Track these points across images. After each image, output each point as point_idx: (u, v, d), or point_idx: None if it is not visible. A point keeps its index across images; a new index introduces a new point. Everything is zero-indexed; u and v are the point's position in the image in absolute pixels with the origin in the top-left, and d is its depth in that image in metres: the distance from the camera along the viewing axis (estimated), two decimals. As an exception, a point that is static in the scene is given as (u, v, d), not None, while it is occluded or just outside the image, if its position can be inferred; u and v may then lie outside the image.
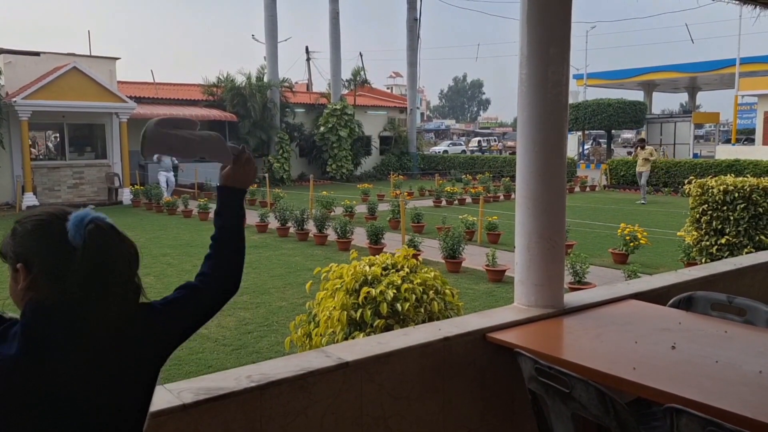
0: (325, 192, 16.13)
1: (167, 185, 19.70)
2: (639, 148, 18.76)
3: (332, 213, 13.63)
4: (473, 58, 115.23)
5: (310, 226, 12.04)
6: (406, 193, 17.01)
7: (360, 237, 11.11)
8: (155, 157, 17.67)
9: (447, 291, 3.53)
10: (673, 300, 2.92)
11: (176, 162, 20.09)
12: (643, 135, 29.72)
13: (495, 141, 54.92)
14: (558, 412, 2.10)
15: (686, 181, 7.33)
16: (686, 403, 1.78)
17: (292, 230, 12.31)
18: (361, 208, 15.30)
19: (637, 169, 18.48)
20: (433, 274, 3.60)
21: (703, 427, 1.67)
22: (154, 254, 10.47)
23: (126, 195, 19.30)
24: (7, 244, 1.39)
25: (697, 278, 3.45)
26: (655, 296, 3.12)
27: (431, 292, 3.43)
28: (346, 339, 3.43)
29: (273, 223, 12.91)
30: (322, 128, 26.36)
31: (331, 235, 11.34)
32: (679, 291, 3.10)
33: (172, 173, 19.74)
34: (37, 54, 19.25)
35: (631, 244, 9.18)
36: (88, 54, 21.14)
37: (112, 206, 18.88)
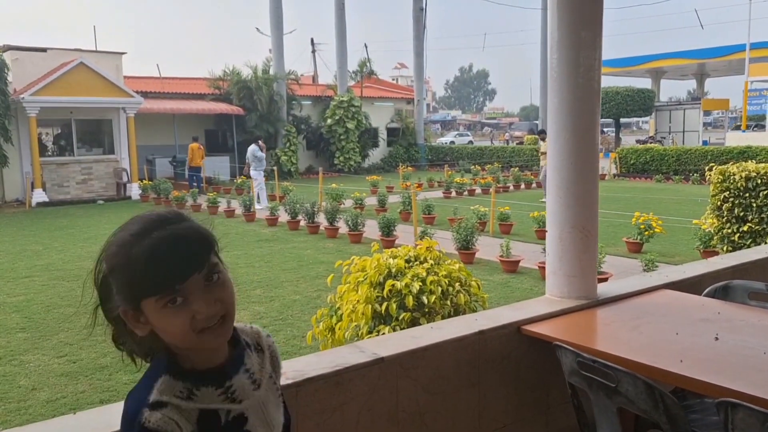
0: (334, 185, 16.09)
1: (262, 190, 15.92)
2: (540, 140, 16.68)
3: (342, 205, 13.57)
4: (479, 47, 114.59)
5: (321, 219, 12.00)
6: (416, 185, 16.93)
7: (371, 229, 11.06)
8: (248, 157, 15.74)
9: (472, 283, 3.47)
10: (709, 289, 2.85)
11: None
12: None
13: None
14: (602, 407, 2.04)
15: (707, 168, 7.22)
16: (739, 397, 1.72)
17: (302, 223, 12.27)
18: (371, 200, 15.25)
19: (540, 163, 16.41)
20: (458, 266, 3.54)
21: (762, 422, 1.61)
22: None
23: (134, 190, 19.31)
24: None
25: (729, 267, 3.38)
26: (688, 286, 3.05)
27: (457, 284, 3.38)
28: (370, 333, 3.38)
29: (283, 216, 12.87)
30: (329, 120, 26.28)
31: (342, 228, 11.30)
32: (711, 280, 3.03)
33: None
34: (43, 50, 19.23)
35: (646, 232, 9.09)
36: (94, 49, 21.10)
37: (120, 201, 18.90)
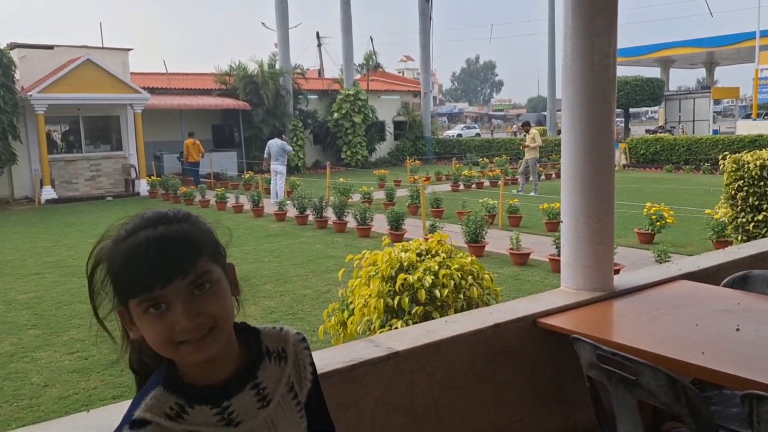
0: (342, 179, 16.05)
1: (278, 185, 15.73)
2: (525, 132, 16.78)
3: (350, 200, 13.55)
4: (486, 39, 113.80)
5: (329, 214, 11.98)
6: (423, 179, 16.87)
7: (379, 223, 11.03)
8: (272, 152, 15.36)
9: (485, 276, 3.43)
10: (727, 279, 2.80)
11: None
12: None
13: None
14: (621, 400, 2.00)
15: (720, 157, 7.14)
16: (764, 389, 1.68)
17: (311, 218, 12.26)
18: (379, 195, 15.22)
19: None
20: (470, 259, 3.50)
21: (790, 414, 1.57)
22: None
23: (143, 186, 19.35)
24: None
25: (746, 256, 3.33)
26: (706, 276, 3.00)
27: (469, 277, 3.34)
28: (382, 327, 3.35)
29: (291, 212, 12.86)
30: (335, 114, 26.22)
31: (351, 222, 11.27)
32: (729, 270, 2.98)
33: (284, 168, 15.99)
34: (50, 47, 19.26)
35: (658, 223, 9.01)
36: (101, 46, 21.12)
37: (129, 198, 18.96)
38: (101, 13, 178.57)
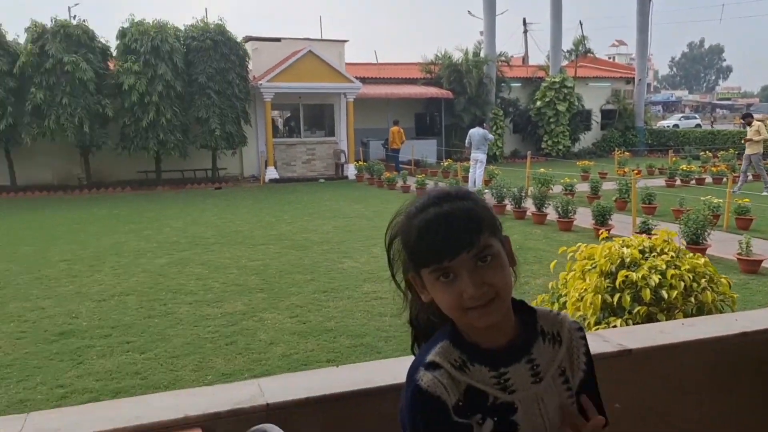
0: (542, 169, 15.63)
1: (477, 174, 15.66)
2: (746, 125, 14.78)
3: (550, 191, 13.15)
4: (714, 20, 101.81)
5: (528, 204, 11.74)
6: (635, 172, 15.74)
7: (582, 217, 10.56)
8: (474, 141, 15.60)
9: (722, 280, 3.11)
10: None
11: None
12: None
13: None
14: None
15: None
16: None
17: (509, 208, 12.14)
18: (582, 187, 14.54)
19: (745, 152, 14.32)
20: (702, 260, 3.20)
21: None
22: (378, 226, 11.01)
23: (351, 170, 20.62)
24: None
25: None
26: None
27: (702, 280, 3.05)
28: (598, 324, 3.22)
29: (489, 200, 12.83)
30: (538, 103, 25.54)
31: (551, 215, 10.94)
32: None
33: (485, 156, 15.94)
34: (278, 40, 21.25)
35: None
36: (320, 38, 22.80)
37: (338, 181, 20.35)
38: (321, 6, 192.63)
